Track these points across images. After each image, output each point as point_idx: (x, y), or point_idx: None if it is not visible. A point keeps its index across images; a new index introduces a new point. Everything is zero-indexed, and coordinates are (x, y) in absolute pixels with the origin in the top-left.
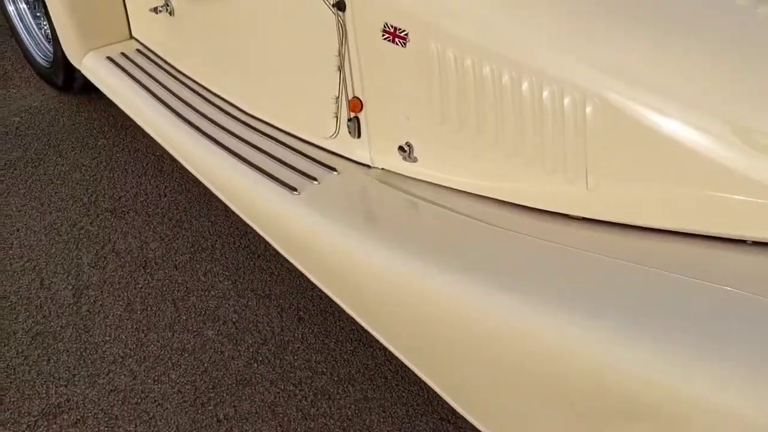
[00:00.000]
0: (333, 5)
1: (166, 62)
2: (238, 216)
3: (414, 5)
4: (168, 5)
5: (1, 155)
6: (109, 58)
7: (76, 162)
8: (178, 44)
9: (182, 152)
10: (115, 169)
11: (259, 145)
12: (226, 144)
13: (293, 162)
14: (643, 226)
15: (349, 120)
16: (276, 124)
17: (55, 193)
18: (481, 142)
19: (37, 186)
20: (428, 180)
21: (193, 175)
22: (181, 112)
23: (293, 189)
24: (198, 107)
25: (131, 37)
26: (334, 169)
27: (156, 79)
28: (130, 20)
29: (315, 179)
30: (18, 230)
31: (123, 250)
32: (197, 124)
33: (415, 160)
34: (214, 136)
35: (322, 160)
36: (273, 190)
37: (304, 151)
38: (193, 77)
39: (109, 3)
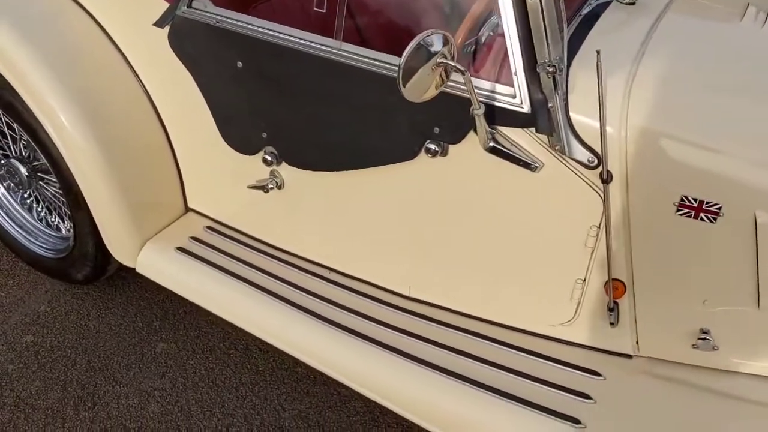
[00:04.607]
0: (599, 179)
1: (260, 241)
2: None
3: (741, 171)
4: (276, 177)
5: (36, 402)
6: (182, 249)
7: (141, 386)
8: (287, 220)
9: (335, 366)
10: (199, 386)
11: (455, 346)
12: (414, 353)
13: (526, 368)
14: None
15: (611, 309)
16: (467, 311)
17: None
18: None
19: None
20: (735, 370)
21: (305, 368)
22: (316, 311)
23: (575, 421)
24: (338, 300)
25: (187, 209)
26: (595, 373)
27: (258, 267)
28: (187, 190)
29: (588, 397)
30: None
31: None
32: (351, 326)
33: (714, 348)
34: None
35: (564, 358)
36: (538, 424)
37: (520, 345)
38: (311, 258)
39: (165, 178)
